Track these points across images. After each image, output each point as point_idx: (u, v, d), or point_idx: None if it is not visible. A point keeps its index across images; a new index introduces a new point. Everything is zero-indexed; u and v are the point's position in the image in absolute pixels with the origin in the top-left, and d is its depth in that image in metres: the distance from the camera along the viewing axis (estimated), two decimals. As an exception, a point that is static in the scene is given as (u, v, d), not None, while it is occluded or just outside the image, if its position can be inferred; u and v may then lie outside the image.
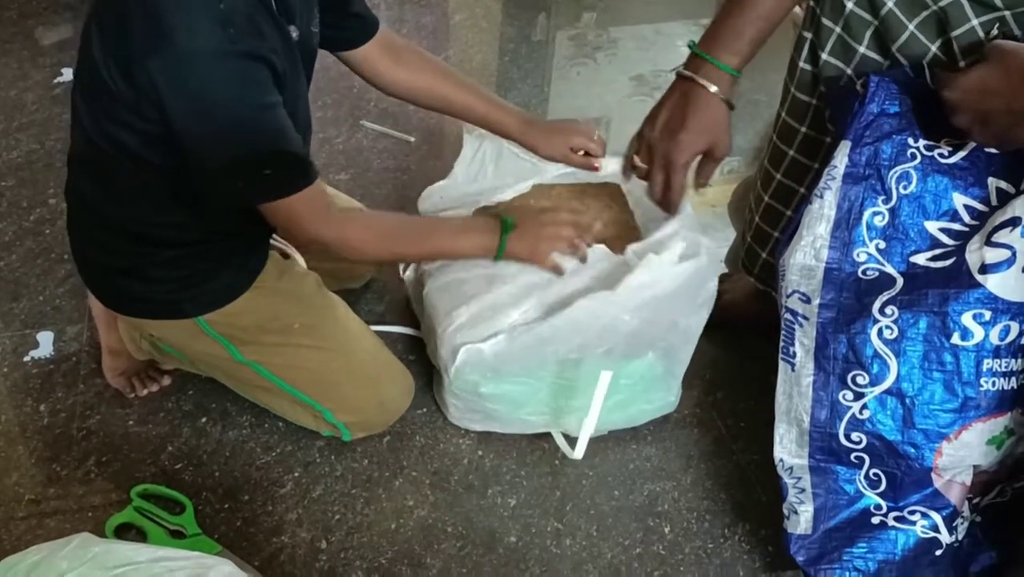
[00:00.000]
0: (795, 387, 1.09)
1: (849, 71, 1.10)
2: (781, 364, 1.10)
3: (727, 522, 1.23)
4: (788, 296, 1.09)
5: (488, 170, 1.36)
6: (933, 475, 1.06)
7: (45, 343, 1.39)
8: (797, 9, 1.24)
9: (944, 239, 1.05)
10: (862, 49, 1.08)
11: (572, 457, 1.18)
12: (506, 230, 1.13)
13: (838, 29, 1.09)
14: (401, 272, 1.42)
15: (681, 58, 1.10)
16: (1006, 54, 0.97)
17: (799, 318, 1.08)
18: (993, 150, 1.04)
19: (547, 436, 1.29)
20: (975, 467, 1.07)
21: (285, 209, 1.00)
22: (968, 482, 1.08)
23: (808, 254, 1.07)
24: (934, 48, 1.06)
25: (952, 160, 1.05)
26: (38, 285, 1.49)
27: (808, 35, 1.16)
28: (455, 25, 2.33)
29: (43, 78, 1.98)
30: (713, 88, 1.06)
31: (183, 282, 1.11)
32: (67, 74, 1.99)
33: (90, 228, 1.12)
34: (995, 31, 1.03)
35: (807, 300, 1.07)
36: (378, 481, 1.24)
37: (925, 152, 1.06)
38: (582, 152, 1.26)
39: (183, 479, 1.22)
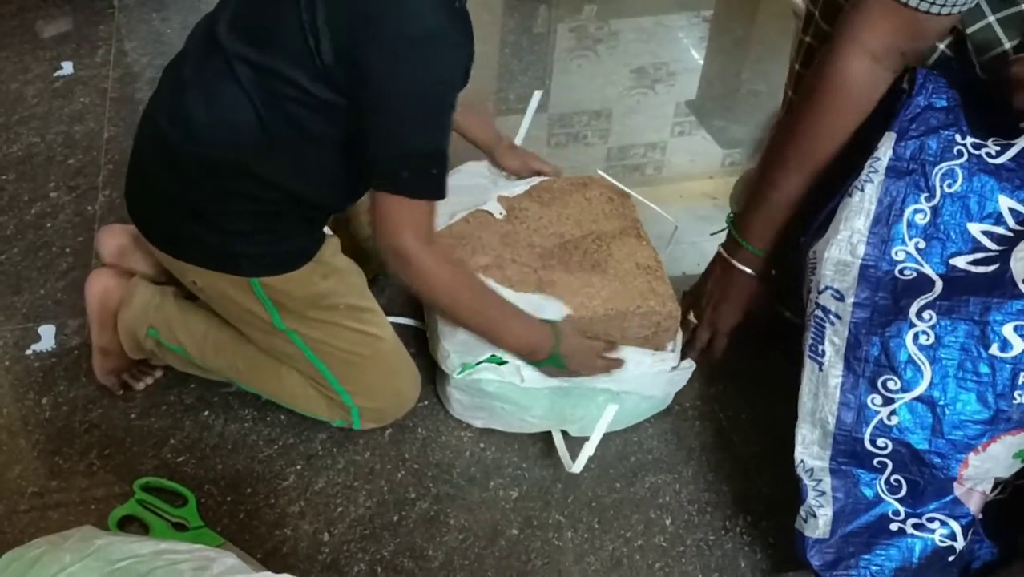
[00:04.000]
0: (822, 388, 1.04)
1: None
2: (808, 362, 1.05)
3: (728, 514, 1.23)
4: (820, 292, 1.05)
5: (484, 169, 1.40)
6: (955, 484, 1.03)
7: (47, 337, 1.39)
8: (798, 1, 1.23)
9: (987, 242, 1.02)
10: None
11: (571, 470, 1.19)
12: (558, 343, 1.15)
13: None
14: None
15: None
16: None
17: (831, 316, 1.04)
18: None
19: (548, 430, 1.29)
20: (996, 477, 1.05)
21: (402, 208, 1.00)
22: (988, 491, 1.05)
23: (844, 249, 1.03)
24: (942, 47, 1.04)
25: (999, 160, 1.01)
26: (39, 279, 1.49)
27: (807, 40, 1.15)
28: (455, 17, 2.32)
29: (43, 71, 1.97)
30: (748, 270, 1.22)
31: (251, 239, 1.09)
32: (67, 67, 1.98)
33: (182, 160, 1.05)
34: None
35: (840, 297, 1.03)
36: (380, 474, 1.25)
37: (972, 150, 1.02)
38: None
39: (185, 472, 1.23)
